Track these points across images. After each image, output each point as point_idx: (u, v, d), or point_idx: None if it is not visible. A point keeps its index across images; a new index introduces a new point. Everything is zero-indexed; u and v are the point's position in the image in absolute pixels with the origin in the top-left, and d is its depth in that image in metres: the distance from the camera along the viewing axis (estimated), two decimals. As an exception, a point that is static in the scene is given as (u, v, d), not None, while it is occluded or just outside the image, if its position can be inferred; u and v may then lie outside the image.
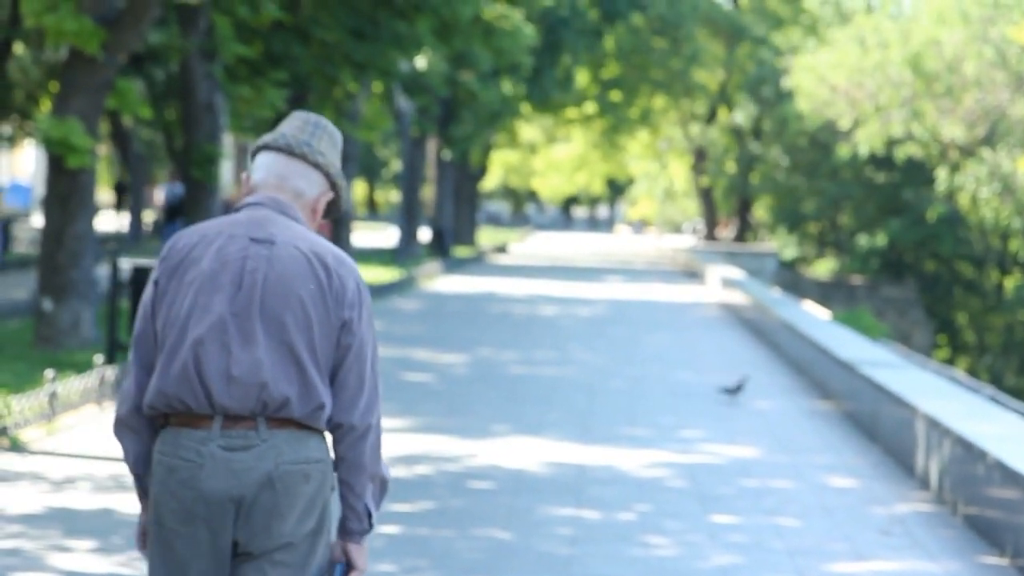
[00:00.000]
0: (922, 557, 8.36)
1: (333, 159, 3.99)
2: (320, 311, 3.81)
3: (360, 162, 75.25)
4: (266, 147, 3.97)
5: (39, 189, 50.31)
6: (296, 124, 3.98)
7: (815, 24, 56.44)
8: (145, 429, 3.89)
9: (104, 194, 77.04)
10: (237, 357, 3.76)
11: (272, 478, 3.75)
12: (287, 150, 3.95)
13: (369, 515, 3.90)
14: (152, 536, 3.84)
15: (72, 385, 12.10)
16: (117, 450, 10.60)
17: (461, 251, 50.53)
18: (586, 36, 50.22)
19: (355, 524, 3.89)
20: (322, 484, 3.83)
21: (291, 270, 3.81)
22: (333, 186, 4.00)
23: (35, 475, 9.71)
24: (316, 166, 3.96)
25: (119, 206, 53.67)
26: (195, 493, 3.75)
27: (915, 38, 39.22)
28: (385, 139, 73.18)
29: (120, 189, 50.40)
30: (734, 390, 14.75)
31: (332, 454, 3.91)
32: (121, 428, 3.92)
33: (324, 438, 3.87)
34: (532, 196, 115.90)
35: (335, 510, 3.97)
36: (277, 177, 3.94)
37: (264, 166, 3.96)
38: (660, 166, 78.30)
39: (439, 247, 46.79)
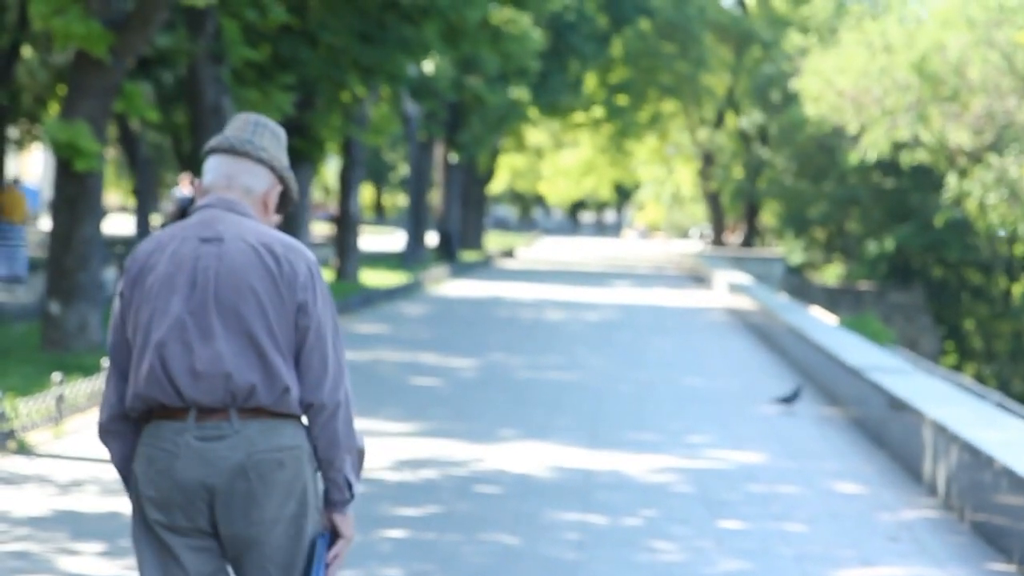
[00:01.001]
0: (929, 564, 8.34)
1: (277, 153, 4.18)
2: (274, 297, 3.98)
3: (367, 166, 75.27)
4: (212, 150, 4.17)
5: (47, 192, 50.42)
6: (238, 125, 4.18)
7: (821, 28, 56.41)
8: (128, 432, 4.09)
9: (118, 198, 77.15)
10: (199, 353, 3.94)
11: (245, 467, 3.93)
12: (231, 150, 4.14)
13: (349, 486, 4.08)
14: (137, 526, 4.05)
15: (79, 388, 12.11)
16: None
17: (468, 255, 50.55)
18: (594, 41, 50.24)
19: (337, 495, 4.07)
20: (298, 470, 3.99)
21: (240, 263, 3.99)
22: (281, 179, 4.19)
23: (42, 478, 9.72)
24: (260, 162, 4.14)
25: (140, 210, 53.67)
26: (171, 482, 3.94)
27: (920, 42, 39.21)
28: (392, 143, 73.24)
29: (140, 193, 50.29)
30: (790, 399, 14.56)
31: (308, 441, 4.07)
32: (104, 434, 4.12)
33: (299, 425, 4.03)
34: (539, 201, 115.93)
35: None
36: (225, 177, 4.14)
37: (212, 168, 4.16)
38: (667, 171, 78.32)
39: (446, 251, 46.80)
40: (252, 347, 3.95)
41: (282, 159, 4.20)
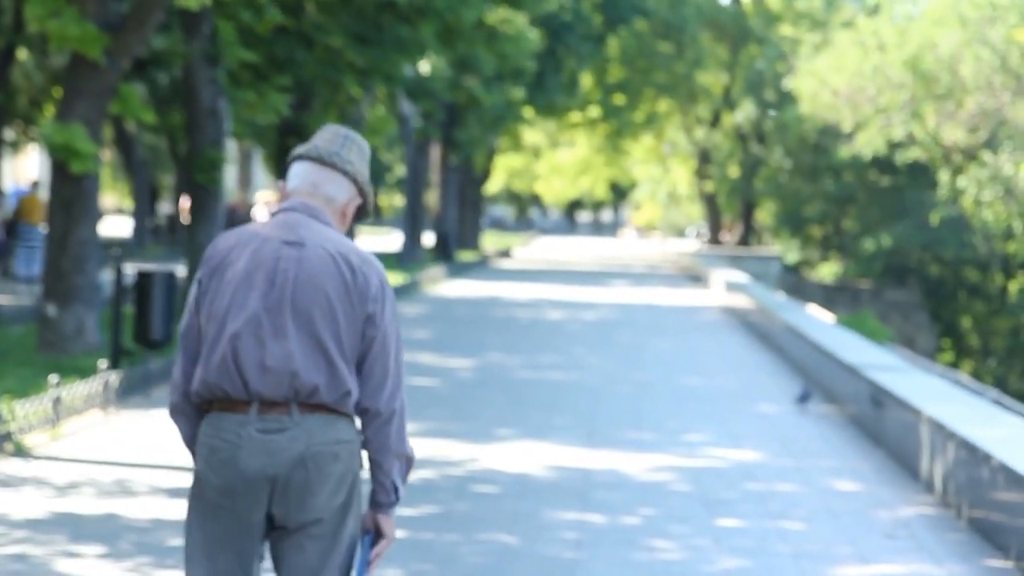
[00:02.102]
0: (927, 561, 8.35)
1: (361, 167, 4.40)
2: (346, 306, 4.20)
3: (364, 167, 75.01)
4: (300, 157, 4.38)
5: (43, 194, 50.36)
6: (327, 136, 4.40)
7: (813, 19, 56.43)
8: (194, 413, 4.31)
9: (115, 200, 77.09)
10: (270, 349, 4.15)
11: (304, 458, 4.15)
12: (319, 160, 4.35)
13: (396, 490, 4.30)
14: (192, 509, 4.26)
15: (76, 390, 12.10)
16: (121, 455, 10.61)
17: (465, 255, 50.53)
18: (590, 41, 50.22)
19: (383, 498, 4.30)
20: (350, 463, 4.22)
21: (319, 269, 4.20)
22: (361, 192, 4.41)
23: (39, 480, 9.71)
24: (345, 174, 4.36)
25: (151, 212, 53.73)
26: (234, 471, 4.15)
27: (913, 40, 39.24)
28: (389, 144, 73.17)
29: (150, 194, 50.21)
30: (804, 398, 14.78)
31: (360, 435, 4.31)
32: (175, 413, 4.35)
33: (353, 421, 4.27)
34: (536, 200, 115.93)
35: (365, 486, 4.30)
36: (310, 184, 4.35)
37: (298, 174, 4.37)
38: (664, 170, 78.31)
39: (443, 251, 46.78)
40: (320, 350, 4.16)
41: (365, 173, 4.40)
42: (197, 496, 4.25)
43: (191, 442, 4.34)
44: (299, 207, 4.31)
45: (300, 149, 4.39)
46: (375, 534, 4.30)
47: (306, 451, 4.15)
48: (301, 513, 4.17)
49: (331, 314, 4.18)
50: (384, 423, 4.24)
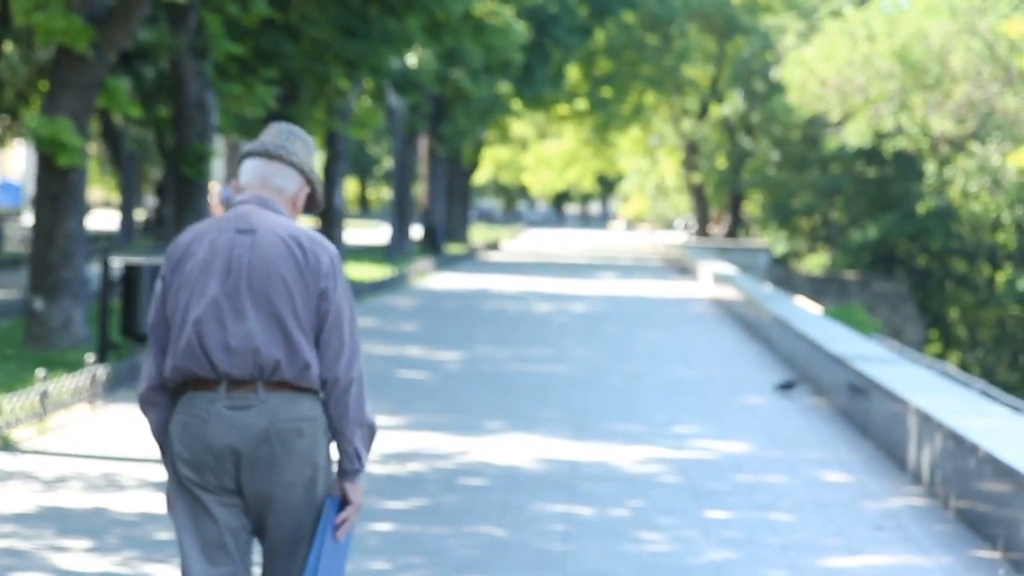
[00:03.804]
0: (914, 551, 8.37)
1: (306, 158, 4.70)
2: (300, 284, 4.48)
3: (351, 159, 75.17)
4: (249, 154, 4.70)
5: (30, 188, 50.28)
6: (272, 132, 4.72)
7: (801, 10, 56.46)
8: (163, 402, 4.57)
9: (102, 193, 77.06)
10: (232, 331, 4.44)
11: (268, 433, 4.42)
12: (266, 154, 4.66)
13: (359, 457, 4.56)
14: (173, 486, 4.51)
15: (63, 384, 12.08)
16: (108, 449, 10.59)
17: (453, 248, 50.51)
18: (576, 33, 50.22)
19: (348, 465, 4.56)
20: (315, 439, 4.49)
21: (271, 253, 4.49)
22: (309, 182, 4.70)
23: (26, 474, 9.70)
24: (292, 165, 4.66)
25: (162, 208, 53.46)
26: (203, 444, 4.43)
27: (902, 30, 39.27)
28: (376, 136, 73.15)
29: (162, 190, 49.85)
30: (788, 386, 15.16)
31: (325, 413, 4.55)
32: (144, 404, 4.61)
33: (317, 399, 4.54)
34: (524, 193, 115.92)
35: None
36: (260, 178, 4.66)
37: (249, 170, 4.69)
38: (651, 162, 78.32)
39: (431, 244, 46.76)
40: (278, 327, 4.45)
41: (310, 163, 4.70)
42: (174, 479, 4.50)
43: (159, 432, 4.58)
44: (252, 199, 4.60)
45: (248, 147, 4.68)
46: (342, 501, 4.53)
47: (270, 427, 4.41)
48: (268, 487, 4.42)
49: (287, 293, 4.45)
50: (343, 391, 4.50)
